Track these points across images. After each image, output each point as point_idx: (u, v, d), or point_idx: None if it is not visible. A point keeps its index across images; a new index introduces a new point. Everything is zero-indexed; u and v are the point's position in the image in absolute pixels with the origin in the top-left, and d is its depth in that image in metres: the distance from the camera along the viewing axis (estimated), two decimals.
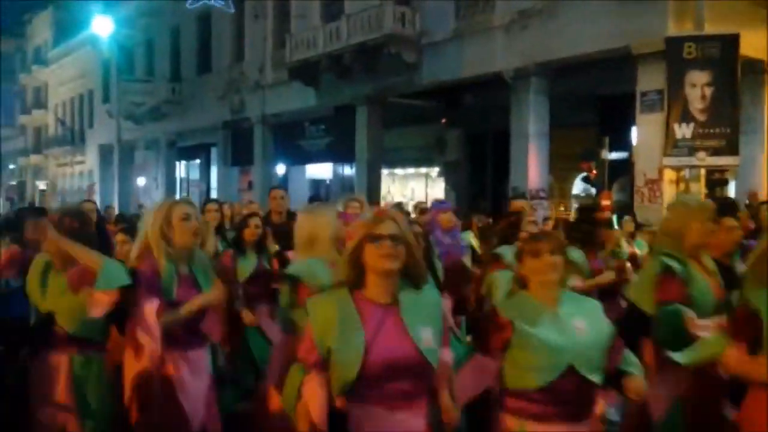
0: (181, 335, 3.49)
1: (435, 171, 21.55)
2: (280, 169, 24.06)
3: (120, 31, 29.21)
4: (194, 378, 3.53)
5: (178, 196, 29.21)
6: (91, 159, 38.15)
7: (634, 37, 12.73)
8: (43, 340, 3.83)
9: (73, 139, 39.92)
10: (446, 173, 20.34)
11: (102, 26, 28.68)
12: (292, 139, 22.99)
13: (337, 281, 2.56)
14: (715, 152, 12.16)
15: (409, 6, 17.48)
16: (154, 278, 3.43)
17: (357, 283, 2.49)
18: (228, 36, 25.23)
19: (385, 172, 21.07)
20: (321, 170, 24.52)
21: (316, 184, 25.52)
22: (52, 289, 3.76)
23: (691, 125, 12.24)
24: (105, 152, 35.60)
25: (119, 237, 5.13)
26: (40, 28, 45.22)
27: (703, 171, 12.78)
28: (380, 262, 2.42)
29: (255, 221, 5.71)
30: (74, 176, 41.44)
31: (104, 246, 5.25)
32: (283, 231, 5.69)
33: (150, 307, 3.34)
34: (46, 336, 3.80)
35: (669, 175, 12.79)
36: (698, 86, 12.19)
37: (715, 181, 13.76)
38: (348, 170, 22.62)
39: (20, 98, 49.58)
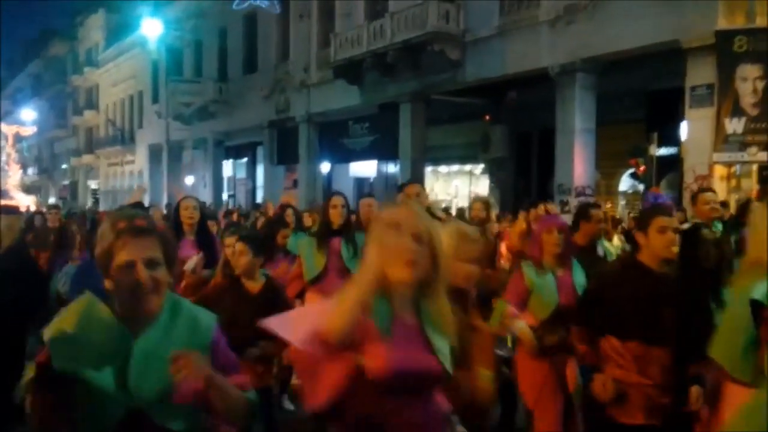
0: None
1: (479, 168, 21.49)
2: (325, 167, 24.27)
3: (169, 32, 29.80)
4: None
5: (225, 195, 29.78)
6: (140, 158, 39.00)
7: (683, 31, 12.53)
8: None
9: (124, 139, 40.85)
10: (491, 170, 20.26)
11: (151, 28, 29.30)
12: (337, 138, 23.18)
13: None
14: (767, 147, 11.91)
15: (453, 3, 17.47)
16: None
17: None
18: (273, 36, 25.54)
19: (428, 169, 21.09)
20: (365, 168, 24.65)
21: (360, 182, 25.67)
22: None
23: (743, 120, 12.00)
24: (154, 152, 36.36)
25: (239, 247, 4.47)
26: (92, 30, 46.32)
27: (755, 167, 12.52)
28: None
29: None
30: (124, 176, 42.40)
31: (208, 246, 5.57)
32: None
33: None
34: None
35: (719, 171, 12.56)
36: (749, 80, 11.94)
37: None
38: (392, 168, 22.71)
39: (72, 99, 50.86)
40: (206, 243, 5.70)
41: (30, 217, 11.72)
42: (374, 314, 2.08)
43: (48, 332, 2.07)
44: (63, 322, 2.07)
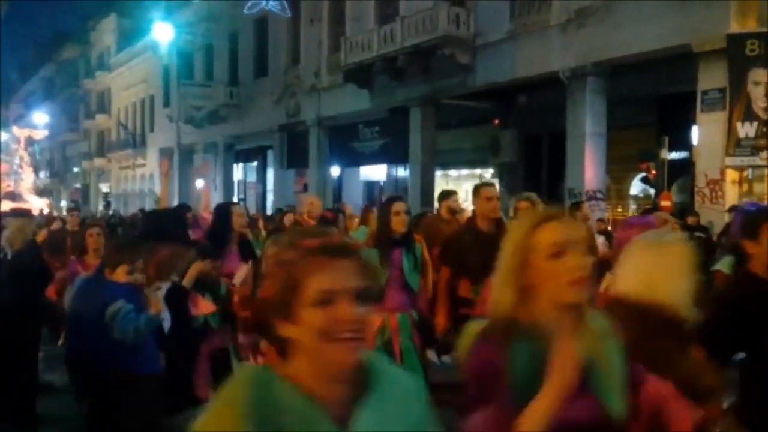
0: None
1: (489, 172, 21.44)
2: (335, 171, 24.30)
3: (180, 36, 29.95)
4: None
5: (235, 198, 29.87)
6: (151, 162, 39.17)
7: (694, 34, 12.47)
8: None
9: (135, 142, 41.05)
10: (501, 174, 20.21)
11: (163, 32, 29.47)
12: (347, 142, 23.20)
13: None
14: None
15: (463, 7, 17.47)
16: None
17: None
18: (284, 40, 25.62)
19: (438, 173, 21.07)
20: (375, 172, 24.67)
21: (370, 185, 25.68)
22: None
23: (755, 124, 11.92)
24: (165, 155, 36.51)
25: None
26: (104, 34, 46.61)
27: (767, 171, 12.43)
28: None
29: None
30: (136, 179, 42.60)
31: (254, 256, 5.43)
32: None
33: None
34: None
35: (731, 175, 12.48)
36: (762, 84, 11.87)
37: None
38: (402, 172, 22.70)
39: (84, 103, 51.15)
40: (251, 253, 5.50)
41: (48, 219, 11.64)
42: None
43: None
44: (220, 422, 1.29)
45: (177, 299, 4.41)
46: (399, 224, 5.00)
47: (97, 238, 6.03)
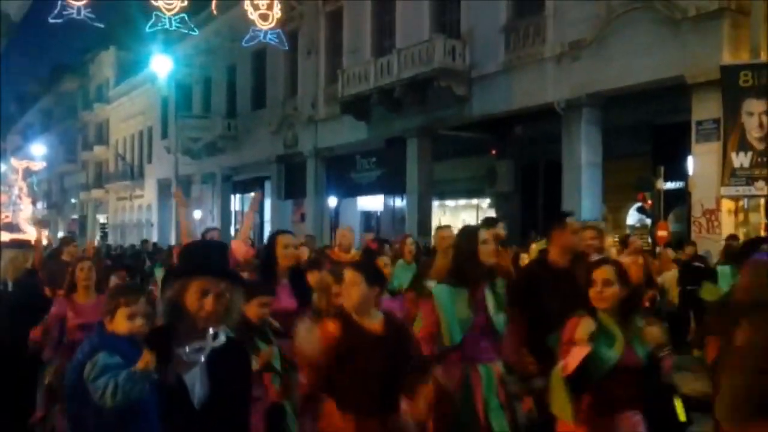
0: None
1: (486, 202, 21.52)
2: (332, 201, 24.36)
3: (178, 69, 30.16)
4: None
5: (233, 229, 29.86)
6: (149, 193, 39.22)
7: (688, 66, 12.63)
8: None
9: (133, 173, 41.14)
10: (497, 204, 20.28)
11: (161, 65, 29.68)
12: (344, 172, 23.30)
13: None
14: None
15: (459, 40, 17.68)
16: None
17: None
18: (282, 72, 25.84)
19: (435, 203, 21.13)
20: (372, 202, 24.73)
21: (368, 216, 25.72)
22: None
23: (749, 154, 12.01)
24: (163, 186, 36.56)
25: (350, 276, 3.74)
26: (103, 67, 46.92)
27: (762, 201, 12.50)
28: None
29: None
30: (133, 210, 42.60)
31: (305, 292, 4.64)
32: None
33: None
34: None
35: (727, 205, 12.54)
36: (755, 114, 11.98)
37: None
38: (399, 202, 22.76)
39: (82, 135, 51.33)
40: (304, 287, 4.77)
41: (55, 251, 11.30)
42: None
43: None
44: None
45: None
46: (488, 255, 4.25)
47: (87, 273, 5.43)
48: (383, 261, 5.44)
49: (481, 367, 4.15)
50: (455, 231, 7.47)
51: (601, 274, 3.41)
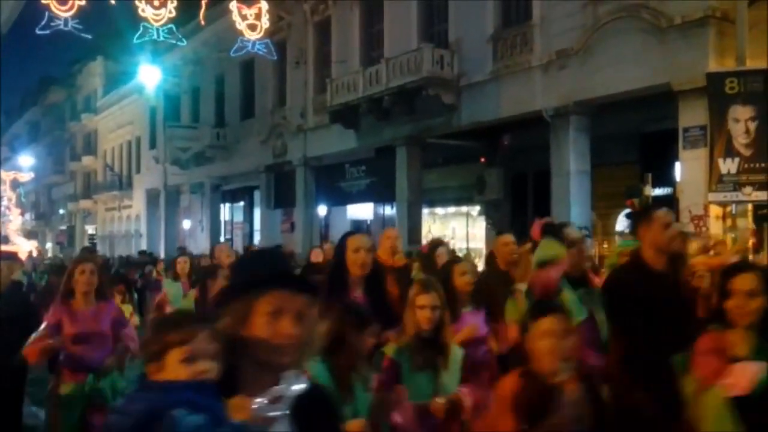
0: None
1: (476, 210, 21.54)
2: (322, 210, 24.34)
3: (167, 79, 30.13)
4: None
5: (222, 238, 29.76)
6: (138, 203, 39.08)
7: (674, 73, 12.71)
8: None
9: (121, 184, 41.00)
10: (487, 212, 20.31)
11: (149, 75, 29.64)
12: (333, 181, 23.30)
13: None
14: (762, 187, 11.97)
15: (447, 49, 17.74)
16: None
17: None
18: (270, 82, 25.85)
19: (425, 211, 21.14)
20: (362, 211, 24.71)
21: (357, 224, 25.68)
22: None
23: (736, 160, 12.09)
24: (151, 196, 36.46)
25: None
26: (91, 77, 46.83)
27: (750, 206, 12.57)
28: None
29: None
30: (122, 220, 42.42)
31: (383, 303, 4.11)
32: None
33: None
34: None
35: (715, 211, 12.61)
36: (742, 121, 12.06)
37: (763, 216, 13.50)
38: (389, 210, 22.76)
39: (70, 145, 51.14)
40: (382, 300, 4.13)
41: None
42: None
43: None
44: None
45: None
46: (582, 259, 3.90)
47: (88, 276, 4.91)
48: (462, 269, 4.74)
49: None
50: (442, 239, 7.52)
51: (744, 283, 2.85)
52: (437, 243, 6.99)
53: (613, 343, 3.78)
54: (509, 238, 5.32)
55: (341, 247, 4.24)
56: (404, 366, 3.58)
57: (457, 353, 3.75)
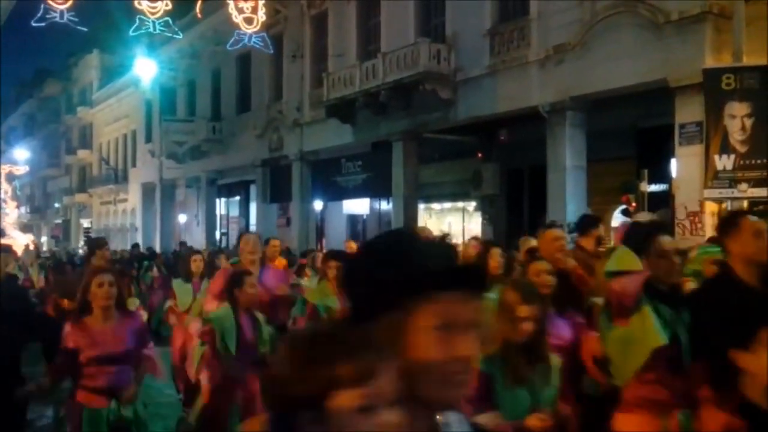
0: None
1: (472, 205, 21.55)
2: (318, 205, 24.32)
3: (162, 72, 30.05)
4: None
5: (217, 233, 29.75)
6: (133, 197, 39.00)
7: (671, 69, 12.72)
8: None
9: (117, 178, 40.91)
10: (483, 207, 20.32)
11: (145, 68, 29.55)
12: (330, 176, 23.27)
13: None
14: (757, 183, 11.99)
15: (444, 43, 17.72)
16: None
17: None
18: (267, 76, 25.78)
19: (421, 206, 21.14)
20: (358, 206, 24.71)
21: (353, 219, 25.70)
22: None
23: (732, 156, 12.10)
24: (147, 190, 36.38)
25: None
26: (86, 70, 46.67)
27: (745, 203, 12.60)
28: None
29: None
30: (117, 214, 42.34)
31: None
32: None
33: None
34: None
35: (710, 207, 12.63)
36: (738, 117, 12.07)
37: (759, 212, 13.52)
38: (385, 205, 22.76)
39: (66, 139, 50.97)
40: None
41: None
42: None
43: None
44: None
45: None
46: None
47: (108, 289, 4.31)
48: (539, 269, 4.31)
49: (680, 415, 3.33)
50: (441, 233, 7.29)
51: None
52: (490, 243, 6.47)
53: (699, 366, 3.34)
54: (559, 232, 4.83)
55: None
56: (497, 379, 3.21)
57: (556, 364, 3.39)
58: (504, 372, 3.20)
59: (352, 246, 9.74)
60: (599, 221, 5.79)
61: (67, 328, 4.38)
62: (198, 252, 9.70)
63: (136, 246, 22.82)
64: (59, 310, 7.55)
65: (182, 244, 23.58)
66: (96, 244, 8.26)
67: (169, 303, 7.53)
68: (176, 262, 13.01)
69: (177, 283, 7.80)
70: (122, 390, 4.32)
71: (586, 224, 5.62)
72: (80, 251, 30.28)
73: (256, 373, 4.73)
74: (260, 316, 5.33)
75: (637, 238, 3.69)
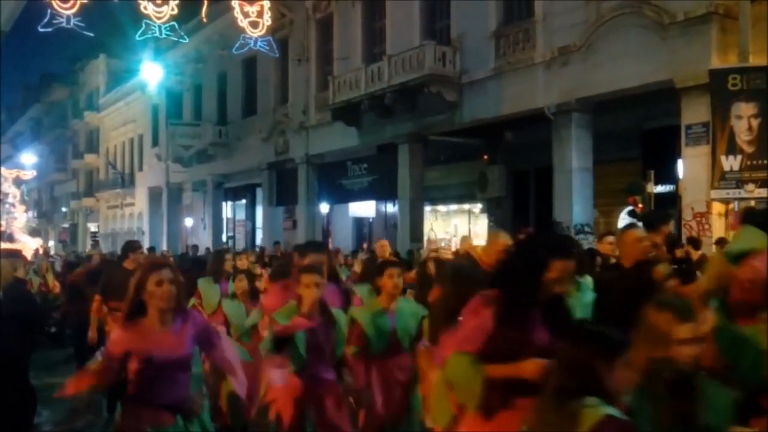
0: None
1: (478, 207, 21.54)
2: (324, 208, 24.35)
3: (169, 77, 30.15)
4: None
5: (224, 237, 29.79)
6: (140, 201, 39.10)
7: (677, 70, 12.69)
8: None
9: (124, 182, 41.02)
10: (489, 209, 20.30)
11: (151, 73, 29.65)
12: (335, 179, 23.29)
13: None
14: (764, 183, 11.94)
15: (449, 46, 17.72)
16: None
17: None
18: (272, 80, 25.84)
19: (427, 209, 21.14)
20: (364, 209, 24.72)
21: (359, 222, 25.71)
22: None
23: (739, 157, 12.06)
24: (154, 194, 36.47)
25: None
26: (93, 75, 46.82)
27: (753, 203, 12.54)
28: None
29: None
30: (124, 218, 42.46)
31: None
32: None
33: None
34: None
35: (717, 208, 12.59)
36: (744, 118, 12.04)
37: None
38: (391, 208, 22.76)
39: (72, 143, 51.15)
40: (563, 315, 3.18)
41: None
42: None
43: None
44: None
45: None
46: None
47: (168, 288, 3.63)
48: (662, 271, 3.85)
49: None
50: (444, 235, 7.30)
51: None
52: (606, 233, 5.86)
53: None
54: (642, 232, 4.34)
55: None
56: (641, 416, 2.39)
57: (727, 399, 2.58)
58: (650, 407, 2.44)
59: (384, 244, 9.58)
60: (670, 217, 5.27)
61: (116, 331, 3.80)
62: (241, 253, 9.32)
63: (152, 249, 22.86)
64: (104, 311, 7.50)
65: (194, 247, 23.66)
66: (129, 247, 7.88)
67: (192, 301, 6.75)
68: (193, 263, 12.49)
69: (204, 282, 7.16)
70: (186, 402, 3.77)
71: (655, 220, 5.09)
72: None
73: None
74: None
75: (755, 222, 3.20)
